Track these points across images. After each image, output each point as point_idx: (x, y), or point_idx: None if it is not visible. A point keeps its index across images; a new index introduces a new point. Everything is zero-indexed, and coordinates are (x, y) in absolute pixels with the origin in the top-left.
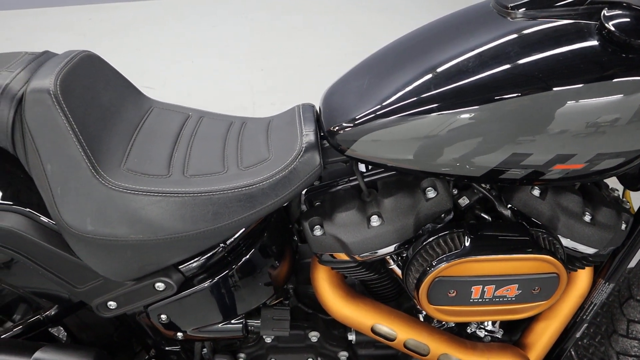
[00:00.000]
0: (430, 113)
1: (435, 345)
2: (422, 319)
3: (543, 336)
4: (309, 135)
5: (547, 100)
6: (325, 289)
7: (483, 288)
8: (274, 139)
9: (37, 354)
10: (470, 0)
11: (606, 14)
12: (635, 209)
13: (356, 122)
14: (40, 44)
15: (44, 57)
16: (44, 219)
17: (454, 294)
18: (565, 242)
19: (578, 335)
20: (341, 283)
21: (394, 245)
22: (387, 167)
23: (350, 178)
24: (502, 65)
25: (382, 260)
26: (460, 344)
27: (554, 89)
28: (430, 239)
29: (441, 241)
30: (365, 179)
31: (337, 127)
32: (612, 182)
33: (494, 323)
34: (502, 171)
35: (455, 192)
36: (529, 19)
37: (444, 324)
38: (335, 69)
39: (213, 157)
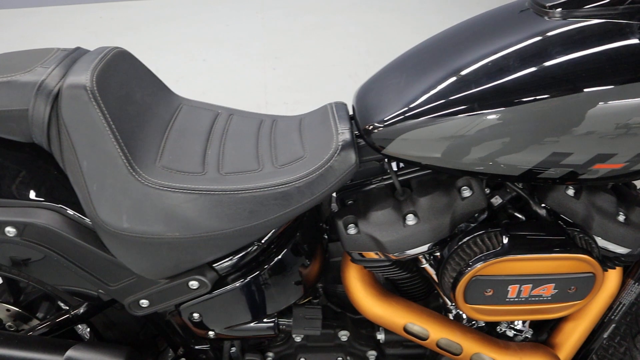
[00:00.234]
0: (469, 112)
1: (468, 344)
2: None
3: (572, 336)
4: (344, 133)
5: (592, 99)
6: (357, 287)
7: (520, 287)
8: (308, 137)
9: (69, 352)
10: (478, 0)
11: None
12: None
13: (395, 121)
14: (53, 42)
15: (77, 54)
16: (78, 216)
17: (490, 293)
18: (598, 241)
19: (605, 335)
20: (373, 282)
21: (429, 245)
22: (422, 165)
23: (384, 177)
24: (546, 64)
25: (414, 260)
26: (493, 344)
27: (598, 88)
28: (467, 238)
29: (478, 240)
30: (399, 178)
31: (373, 126)
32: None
33: (523, 322)
34: (540, 171)
35: (487, 191)
36: (567, 19)
37: (474, 324)
38: (349, 69)
39: (247, 155)
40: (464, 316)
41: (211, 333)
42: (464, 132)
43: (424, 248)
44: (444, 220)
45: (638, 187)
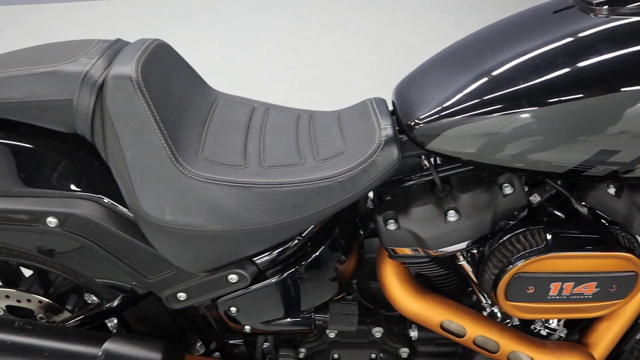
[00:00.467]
0: (516, 109)
1: (505, 342)
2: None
3: (606, 336)
4: (387, 128)
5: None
6: (394, 284)
7: (562, 285)
8: (349, 132)
9: (106, 344)
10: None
11: None
12: None
13: (438, 117)
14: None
15: (119, 45)
16: (119, 207)
17: (532, 291)
18: None
19: (638, 337)
20: (409, 278)
21: (468, 242)
22: (464, 161)
23: (423, 173)
24: (595, 61)
25: (452, 257)
26: (531, 342)
27: None
28: (509, 235)
29: (521, 237)
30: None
31: (416, 122)
32: None
33: (558, 321)
34: (585, 169)
35: (526, 189)
36: (614, 15)
37: (508, 322)
38: (365, 68)
39: (288, 149)
40: (498, 314)
41: (247, 328)
42: (512, 129)
43: (464, 245)
44: (485, 217)
45: None
